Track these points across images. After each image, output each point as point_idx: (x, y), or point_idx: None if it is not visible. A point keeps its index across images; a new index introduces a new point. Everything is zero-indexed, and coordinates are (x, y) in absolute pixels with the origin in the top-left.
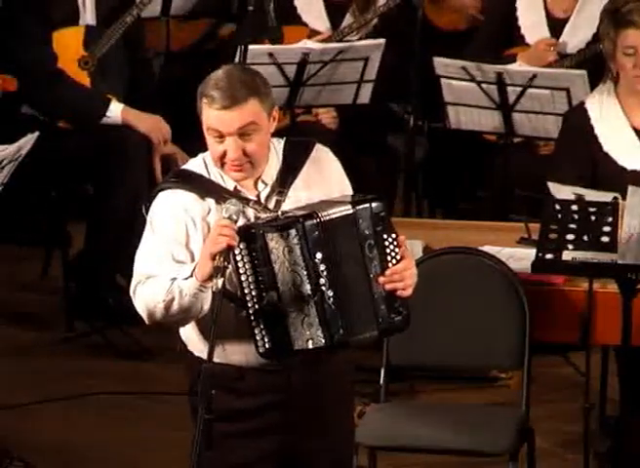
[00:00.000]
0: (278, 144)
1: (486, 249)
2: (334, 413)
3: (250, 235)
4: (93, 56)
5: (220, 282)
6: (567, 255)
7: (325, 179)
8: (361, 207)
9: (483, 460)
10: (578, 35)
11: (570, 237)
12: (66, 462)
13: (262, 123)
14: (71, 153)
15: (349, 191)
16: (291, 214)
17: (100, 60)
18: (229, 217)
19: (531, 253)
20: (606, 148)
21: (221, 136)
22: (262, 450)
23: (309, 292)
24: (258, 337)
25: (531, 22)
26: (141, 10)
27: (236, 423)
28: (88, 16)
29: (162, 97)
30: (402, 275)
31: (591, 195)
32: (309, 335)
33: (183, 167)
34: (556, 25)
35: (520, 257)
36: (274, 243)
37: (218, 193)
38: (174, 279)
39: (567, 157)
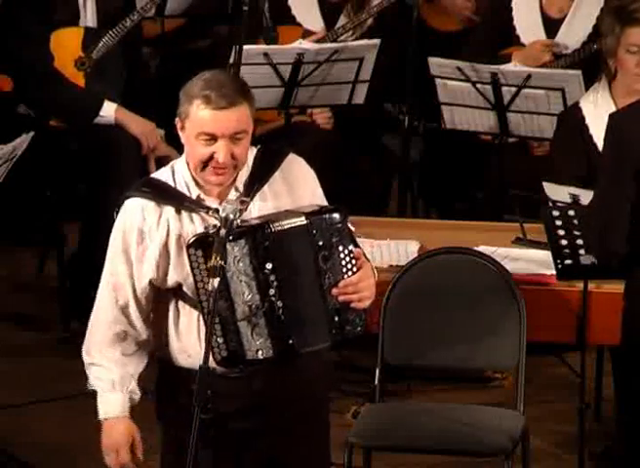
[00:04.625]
0: (251, 152)
1: (481, 249)
2: (302, 420)
3: (205, 243)
4: (90, 57)
5: (215, 281)
6: (585, 259)
7: (294, 190)
8: (315, 218)
9: (478, 460)
10: (573, 35)
11: (580, 242)
12: (64, 462)
13: (250, 128)
14: (66, 153)
15: (321, 202)
16: (247, 223)
17: (96, 62)
18: (226, 216)
19: (526, 253)
20: (601, 148)
21: (213, 139)
22: (229, 456)
23: (258, 302)
24: (214, 345)
25: (526, 23)
26: (142, 15)
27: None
28: (88, 17)
29: (158, 97)
30: (356, 287)
31: (587, 195)
32: (259, 346)
33: (152, 175)
34: (551, 25)
35: (515, 257)
36: (227, 253)
37: (179, 202)
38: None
39: (562, 157)
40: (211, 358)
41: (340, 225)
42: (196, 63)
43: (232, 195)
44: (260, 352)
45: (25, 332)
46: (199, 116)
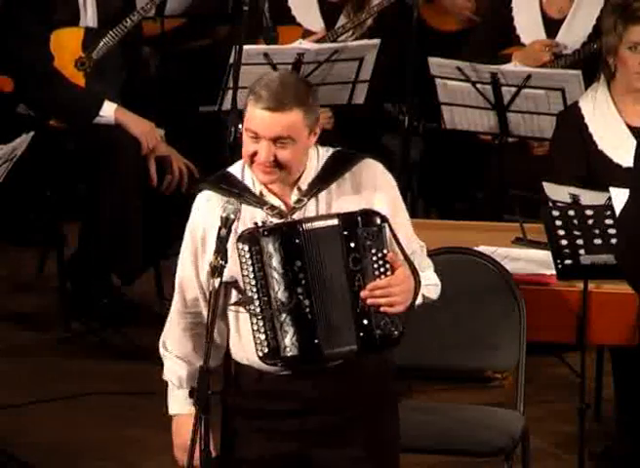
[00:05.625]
0: (325, 153)
1: (481, 249)
2: (359, 424)
3: (252, 238)
4: (90, 57)
5: (217, 281)
6: (585, 260)
7: (361, 195)
8: (349, 220)
9: (478, 460)
10: (573, 35)
11: (580, 242)
12: (64, 462)
13: (301, 136)
14: (66, 153)
15: (387, 210)
16: (282, 221)
17: (96, 62)
18: (227, 216)
19: (526, 253)
20: (600, 146)
21: (257, 137)
22: (278, 453)
23: (286, 298)
24: (256, 341)
25: (526, 23)
26: (142, 16)
27: (254, 421)
28: (88, 17)
29: (158, 97)
30: (386, 291)
31: (587, 195)
32: (286, 343)
33: (228, 168)
34: (552, 25)
35: (515, 257)
36: (261, 247)
37: (243, 195)
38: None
39: (562, 157)
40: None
41: (375, 229)
42: (196, 63)
43: (294, 195)
44: (287, 350)
45: (25, 332)
46: (249, 112)
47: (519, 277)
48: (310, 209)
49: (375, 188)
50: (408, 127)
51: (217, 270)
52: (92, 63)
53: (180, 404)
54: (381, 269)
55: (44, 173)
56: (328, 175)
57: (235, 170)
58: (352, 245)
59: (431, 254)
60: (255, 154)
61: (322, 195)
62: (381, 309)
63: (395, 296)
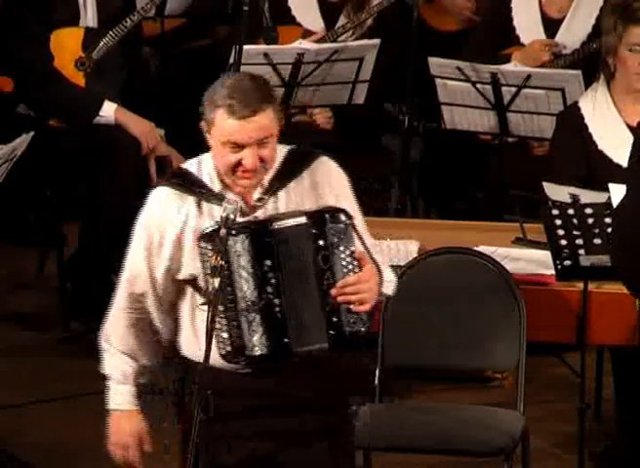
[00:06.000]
0: (282, 150)
1: (481, 249)
2: (319, 423)
3: (215, 236)
4: (90, 57)
5: (216, 281)
6: (585, 260)
7: (318, 192)
8: (317, 218)
9: (478, 460)
10: (572, 35)
11: (579, 242)
12: (64, 462)
13: (275, 131)
14: (66, 153)
15: (348, 205)
16: (250, 220)
17: (96, 62)
18: (227, 216)
19: (526, 253)
20: (600, 146)
21: (239, 147)
22: (240, 455)
23: (255, 298)
24: (219, 340)
25: (526, 23)
26: (142, 16)
27: (216, 425)
28: (88, 17)
29: (158, 97)
30: (356, 288)
31: (587, 195)
32: (255, 342)
33: (181, 165)
34: (551, 25)
35: (515, 258)
36: (229, 247)
37: (202, 193)
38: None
39: (561, 157)
40: (216, 355)
41: (342, 226)
42: (196, 63)
43: (257, 192)
44: (255, 349)
45: (25, 332)
46: (224, 126)
47: (519, 277)
48: (270, 207)
49: (331, 186)
50: (408, 127)
51: (217, 270)
52: (92, 63)
53: (124, 399)
54: (350, 266)
55: (44, 173)
56: (287, 173)
57: (192, 167)
58: (321, 243)
59: (431, 255)
60: (238, 164)
61: (281, 193)
62: (352, 307)
63: (364, 293)
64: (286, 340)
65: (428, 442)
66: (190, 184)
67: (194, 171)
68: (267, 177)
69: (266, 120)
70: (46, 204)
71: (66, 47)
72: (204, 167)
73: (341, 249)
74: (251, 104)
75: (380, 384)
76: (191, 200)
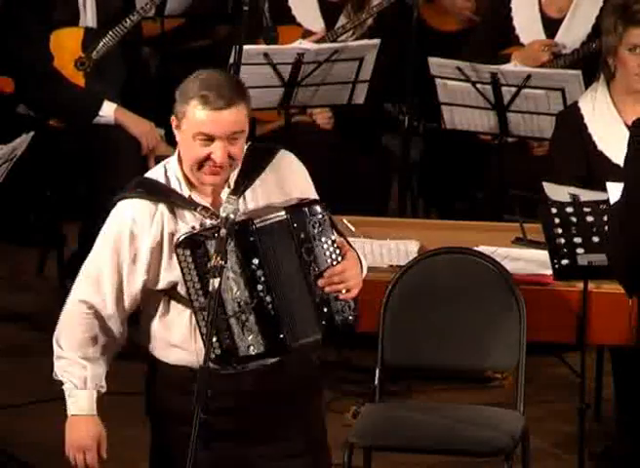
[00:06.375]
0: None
1: (481, 249)
2: (290, 420)
3: (193, 242)
4: (90, 57)
5: (216, 282)
6: (582, 259)
7: (284, 187)
8: (295, 211)
9: (478, 460)
10: (572, 35)
11: (577, 240)
12: (64, 462)
13: (246, 128)
14: (66, 153)
15: (313, 196)
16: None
17: (96, 62)
18: (227, 216)
19: (526, 253)
20: (600, 147)
21: (210, 139)
22: (215, 455)
23: (247, 298)
24: (208, 343)
25: (526, 23)
26: (142, 16)
27: (186, 426)
28: (88, 17)
29: (157, 97)
30: (342, 277)
31: (586, 195)
32: (250, 342)
33: (144, 175)
34: (551, 25)
35: (515, 257)
36: (207, 250)
37: (171, 200)
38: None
39: (561, 157)
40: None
41: (320, 216)
42: (196, 63)
43: (224, 193)
44: (251, 348)
45: (25, 332)
46: (197, 117)
47: (519, 277)
48: (240, 207)
49: (294, 179)
50: (408, 127)
51: (217, 270)
52: (92, 63)
53: (87, 404)
54: (333, 255)
55: (44, 173)
56: (250, 171)
57: (157, 175)
58: (303, 236)
59: (431, 255)
60: (207, 158)
61: (248, 192)
62: (340, 295)
63: (351, 280)
64: (281, 336)
65: (428, 442)
66: (157, 192)
67: (160, 177)
68: (232, 177)
69: (240, 115)
70: (46, 204)
71: (66, 47)
72: (170, 171)
73: (323, 239)
74: (225, 96)
75: (380, 384)
76: (162, 206)
